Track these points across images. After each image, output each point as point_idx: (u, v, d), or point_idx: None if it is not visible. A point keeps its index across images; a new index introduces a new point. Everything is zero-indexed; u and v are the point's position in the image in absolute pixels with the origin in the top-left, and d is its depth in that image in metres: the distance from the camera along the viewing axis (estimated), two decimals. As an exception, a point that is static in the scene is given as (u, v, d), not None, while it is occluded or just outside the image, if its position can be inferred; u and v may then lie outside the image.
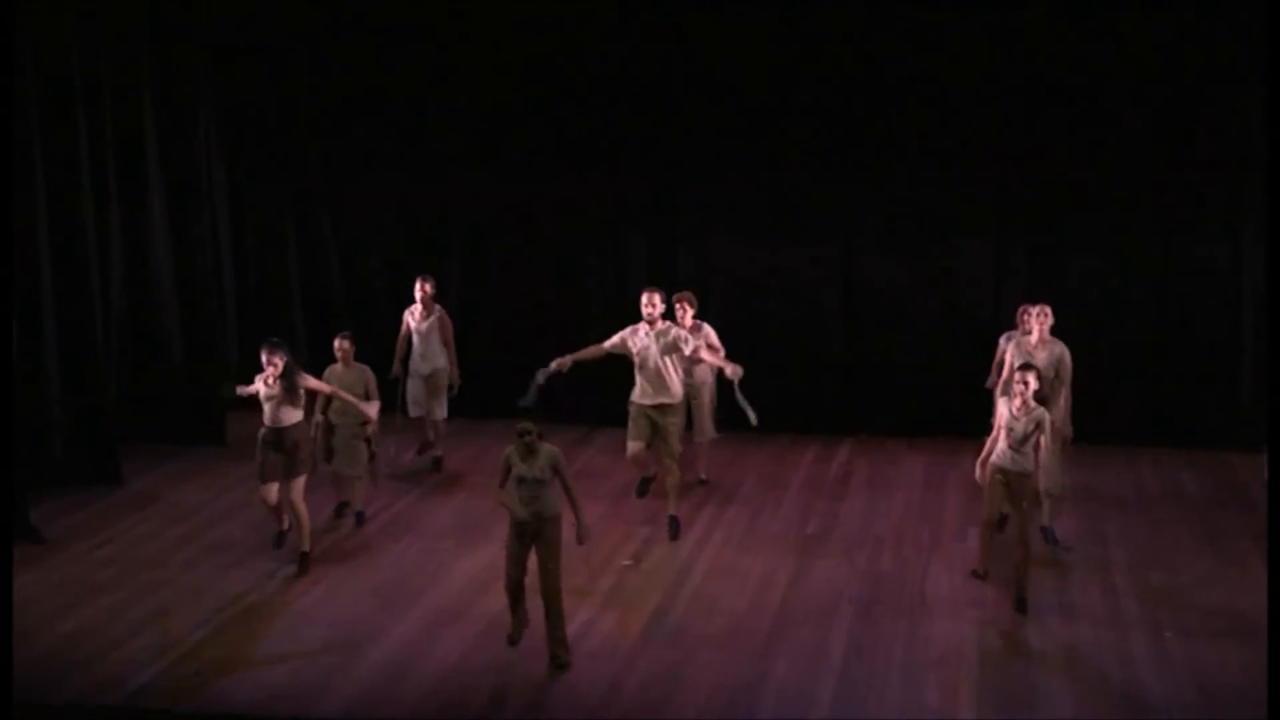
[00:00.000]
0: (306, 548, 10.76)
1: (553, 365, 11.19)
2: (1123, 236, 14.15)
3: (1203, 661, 9.12)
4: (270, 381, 10.56)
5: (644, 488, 11.92)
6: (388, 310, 15.06)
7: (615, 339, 11.49)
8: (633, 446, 11.57)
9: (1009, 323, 12.45)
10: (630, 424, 11.55)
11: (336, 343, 11.80)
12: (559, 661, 9.08)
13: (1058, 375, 11.07)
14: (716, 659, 9.17)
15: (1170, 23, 13.51)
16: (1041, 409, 10.07)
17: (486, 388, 13.64)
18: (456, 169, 15.07)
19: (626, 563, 10.96)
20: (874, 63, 14.12)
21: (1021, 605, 9.93)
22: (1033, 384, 9.95)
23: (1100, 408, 13.78)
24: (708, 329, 12.47)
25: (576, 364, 11.34)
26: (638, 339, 11.42)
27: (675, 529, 11.54)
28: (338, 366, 11.73)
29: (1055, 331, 11.29)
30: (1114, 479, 13.14)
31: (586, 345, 14.80)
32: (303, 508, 10.74)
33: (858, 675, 8.96)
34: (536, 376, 11.07)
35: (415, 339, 13.15)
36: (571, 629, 9.45)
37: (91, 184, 12.91)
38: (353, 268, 15.66)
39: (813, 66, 14.23)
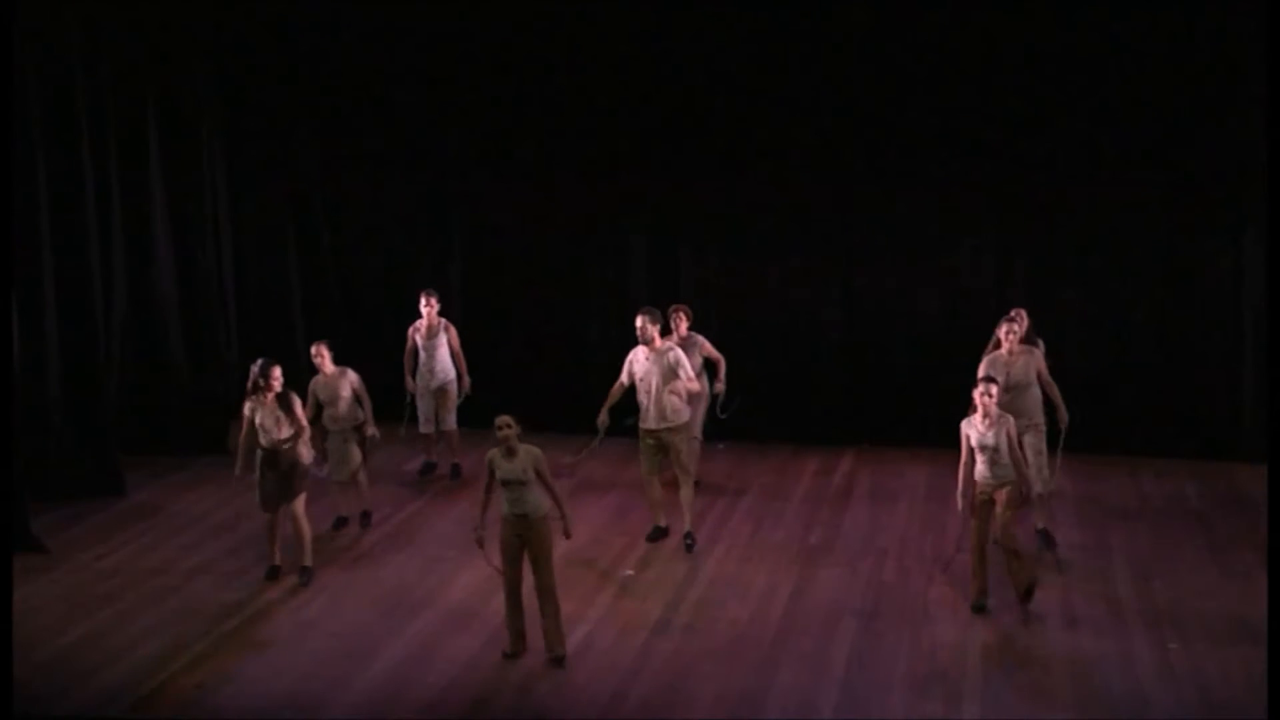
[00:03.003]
0: (308, 562, 10.76)
1: (599, 426, 11.45)
2: (1124, 245, 14.13)
3: (1206, 671, 9.11)
4: (268, 401, 10.55)
5: (655, 535, 11.73)
6: (388, 312, 15.09)
7: (624, 371, 11.51)
8: (645, 481, 11.62)
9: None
10: (641, 457, 11.59)
11: (314, 349, 11.70)
12: (555, 654, 9.20)
13: (1038, 380, 11.12)
14: (719, 669, 9.17)
15: (1171, 25, 13.50)
16: (1005, 415, 10.03)
17: (487, 394, 13.63)
18: (457, 172, 15.09)
19: (628, 573, 10.95)
20: (875, 68, 14.10)
21: (1028, 594, 9.94)
22: (995, 396, 9.95)
23: (1103, 417, 13.80)
24: (701, 340, 12.53)
25: (612, 410, 11.50)
26: (638, 364, 11.42)
27: (691, 543, 11.53)
28: (320, 375, 11.69)
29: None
30: (1117, 489, 13.12)
31: (587, 356, 14.97)
32: (305, 524, 10.76)
33: (860, 685, 8.96)
34: (593, 443, 11.64)
35: (422, 354, 13.16)
36: (574, 640, 9.48)
37: (94, 191, 12.90)
38: (352, 270, 15.67)
39: (814, 71, 14.21)
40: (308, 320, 15.60)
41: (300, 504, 10.70)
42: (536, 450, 9.24)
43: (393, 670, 9.17)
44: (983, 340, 12.92)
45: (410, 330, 13.24)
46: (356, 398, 11.71)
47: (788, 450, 14.34)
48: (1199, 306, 14.09)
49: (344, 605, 10.29)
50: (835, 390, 14.78)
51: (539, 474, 9.19)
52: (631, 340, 11.59)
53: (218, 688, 8.94)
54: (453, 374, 13.23)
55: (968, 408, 10.14)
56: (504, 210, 15.16)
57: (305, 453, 10.77)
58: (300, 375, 12.39)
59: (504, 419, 9.16)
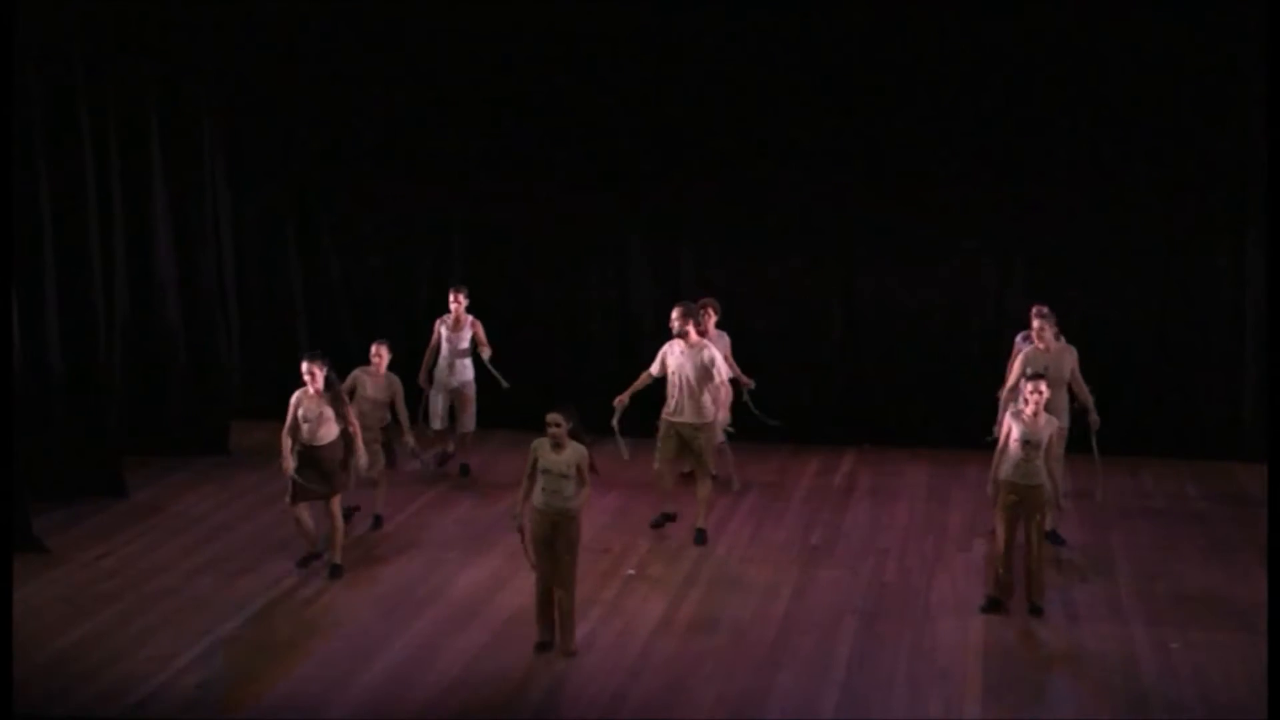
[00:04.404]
0: (338, 560, 10.80)
1: (615, 406, 11.44)
2: (1125, 245, 14.15)
3: (1207, 671, 9.12)
4: (312, 394, 10.55)
5: (661, 521, 11.78)
6: (389, 314, 15.10)
7: (656, 362, 11.56)
8: (658, 466, 11.63)
9: (1011, 332, 12.45)
10: (659, 441, 11.62)
11: (374, 348, 11.82)
12: (565, 650, 9.30)
13: (1071, 379, 11.20)
14: (721, 670, 9.16)
15: (1171, 25, 13.51)
16: (1053, 417, 10.07)
17: (487, 393, 13.66)
18: (459, 173, 15.08)
19: (630, 572, 10.95)
20: (877, 68, 14.11)
21: (1037, 610, 9.95)
22: (1045, 392, 9.93)
23: (1103, 417, 13.79)
24: (726, 338, 12.57)
25: (633, 395, 11.57)
26: (673, 356, 11.45)
27: (702, 540, 11.55)
28: (370, 369, 11.80)
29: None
30: (1118, 489, 13.10)
31: (588, 356, 15.01)
32: (340, 522, 10.81)
33: (861, 686, 8.96)
34: (615, 428, 11.50)
35: (445, 350, 13.18)
36: (575, 638, 9.46)
37: (96, 193, 12.89)
38: (354, 270, 15.68)
39: (815, 71, 14.23)
40: (309, 320, 15.61)
41: (336, 502, 10.73)
42: (584, 449, 9.28)
43: (394, 670, 9.16)
44: (983, 342, 13.01)
45: (436, 324, 13.27)
46: (393, 405, 11.77)
47: (788, 450, 14.34)
48: (1199, 306, 14.11)
49: (346, 605, 10.29)
50: (836, 390, 14.79)
51: (580, 472, 9.23)
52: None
53: (218, 688, 8.93)
54: (471, 374, 13.22)
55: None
56: (504, 209, 15.16)
57: (363, 454, 10.92)
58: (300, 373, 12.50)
59: (554, 417, 9.18)
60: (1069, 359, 11.26)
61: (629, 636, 9.68)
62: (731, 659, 9.32)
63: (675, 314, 11.42)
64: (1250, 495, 12.82)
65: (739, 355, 12.91)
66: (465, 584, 10.63)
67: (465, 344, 13.23)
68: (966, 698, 8.78)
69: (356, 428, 10.90)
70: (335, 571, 10.76)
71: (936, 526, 12.10)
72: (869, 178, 14.37)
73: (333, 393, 10.63)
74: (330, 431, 10.65)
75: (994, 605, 10.06)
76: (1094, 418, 11.25)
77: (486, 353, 13.23)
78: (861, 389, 14.74)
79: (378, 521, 11.91)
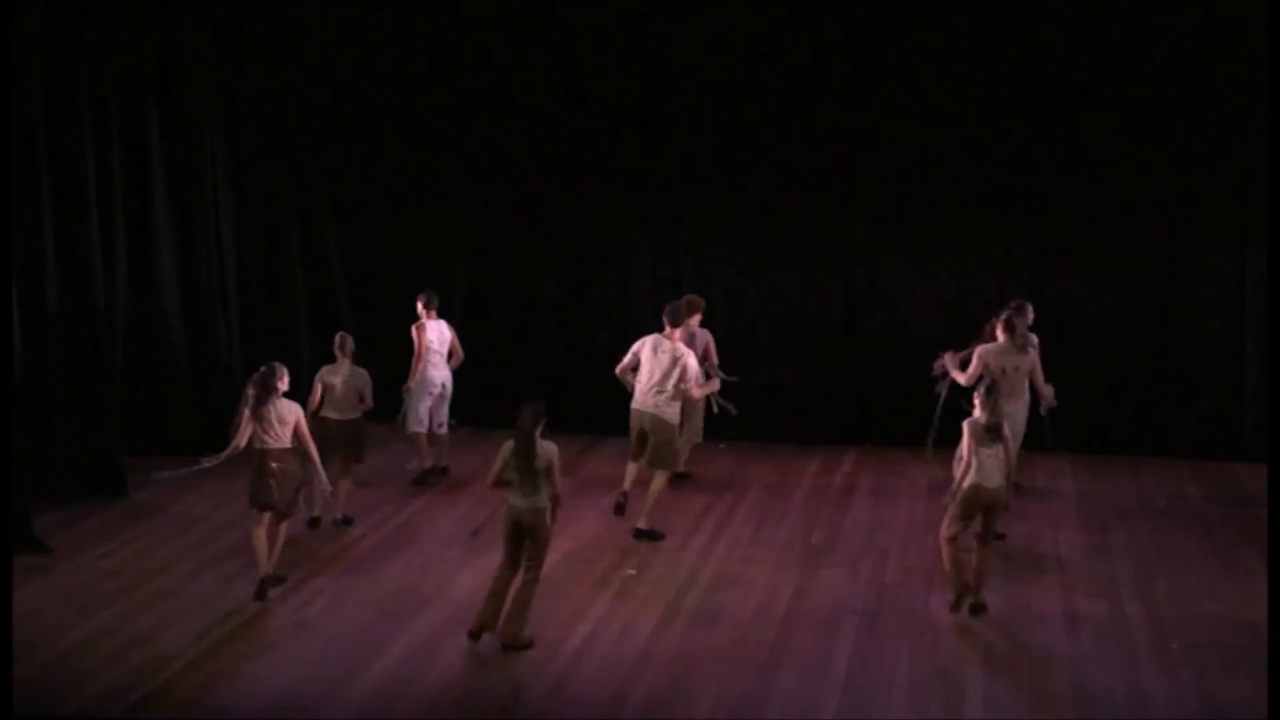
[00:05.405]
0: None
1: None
2: (1126, 246, 14.15)
3: (1207, 672, 9.11)
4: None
5: (657, 536, 11.79)
6: (391, 316, 15.09)
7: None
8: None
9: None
10: None
11: (337, 339, 12.00)
12: (519, 645, 9.34)
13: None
14: (721, 670, 9.16)
15: (1173, 26, 13.53)
16: (973, 416, 9.94)
17: (489, 397, 13.64)
18: (460, 174, 15.12)
19: (630, 573, 10.94)
20: (878, 68, 14.16)
21: (957, 604, 9.98)
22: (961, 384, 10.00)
23: (1104, 418, 13.82)
24: (700, 338, 12.67)
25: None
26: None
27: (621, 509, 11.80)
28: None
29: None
30: (1118, 490, 13.13)
31: (588, 356, 15.06)
32: (252, 541, 10.47)
33: (862, 687, 8.95)
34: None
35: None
36: (575, 640, 9.49)
37: (96, 193, 12.90)
38: (355, 269, 15.67)
39: (816, 71, 14.28)
40: (310, 320, 15.60)
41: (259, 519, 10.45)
42: (554, 446, 9.38)
43: (393, 670, 9.16)
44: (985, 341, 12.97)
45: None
46: (360, 399, 11.91)
47: (789, 450, 14.35)
48: (1200, 307, 14.11)
49: (344, 605, 10.28)
50: (837, 389, 14.78)
51: (550, 468, 9.34)
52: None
53: (218, 687, 8.92)
54: (421, 374, 13.08)
55: (970, 409, 10.15)
56: (505, 209, 15.20)
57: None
58: (302, 376, 12.50)
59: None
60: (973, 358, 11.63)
61: (629, 636, 9.67)
62: (731, 659, 9.32)
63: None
64: (1250, 495, 12.82)
65: (740, 354, 12.94)
66: (465, 584, 10.62)
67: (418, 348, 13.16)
68: (966, 698, 8.78)
69: (231, 450, 10.49)
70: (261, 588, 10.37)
71: (937, 526, 12.02)
72: (870, 178, 14.39)
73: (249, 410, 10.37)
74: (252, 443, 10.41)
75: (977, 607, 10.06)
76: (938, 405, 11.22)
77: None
78: (862, 388, 14.74)
79: (314, 522, 11.81)
